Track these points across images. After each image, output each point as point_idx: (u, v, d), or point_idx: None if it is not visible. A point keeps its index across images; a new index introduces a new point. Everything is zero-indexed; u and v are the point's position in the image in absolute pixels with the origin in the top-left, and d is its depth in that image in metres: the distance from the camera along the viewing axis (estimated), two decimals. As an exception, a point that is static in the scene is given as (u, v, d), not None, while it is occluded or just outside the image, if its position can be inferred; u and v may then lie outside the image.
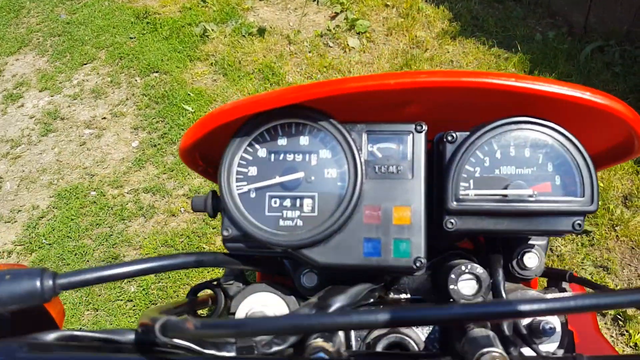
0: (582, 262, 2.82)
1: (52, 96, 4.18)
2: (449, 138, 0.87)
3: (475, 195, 0.85)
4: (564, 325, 0.92)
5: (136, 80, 4.17)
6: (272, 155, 0.88)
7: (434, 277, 1.00)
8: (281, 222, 0.86)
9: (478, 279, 0.87)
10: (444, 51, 3.92)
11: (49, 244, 3.26)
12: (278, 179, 0.87)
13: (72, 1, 5.11)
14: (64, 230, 3.31)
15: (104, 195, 3.45)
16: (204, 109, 3.85)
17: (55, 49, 4.59)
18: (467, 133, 0.87)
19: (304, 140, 0.89)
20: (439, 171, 0.89)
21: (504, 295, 0.88)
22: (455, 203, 0.85)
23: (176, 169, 3.49)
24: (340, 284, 0.92)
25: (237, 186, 0.87)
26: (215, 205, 0.91)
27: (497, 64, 3.73)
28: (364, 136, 0.88)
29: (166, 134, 3.71)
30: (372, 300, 0.92)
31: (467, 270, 0.87)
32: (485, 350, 0.70)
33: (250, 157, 0.89)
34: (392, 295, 0.99)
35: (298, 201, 0.86)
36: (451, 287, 0.86)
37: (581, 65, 3.57)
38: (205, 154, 1.01)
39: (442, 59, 3.86)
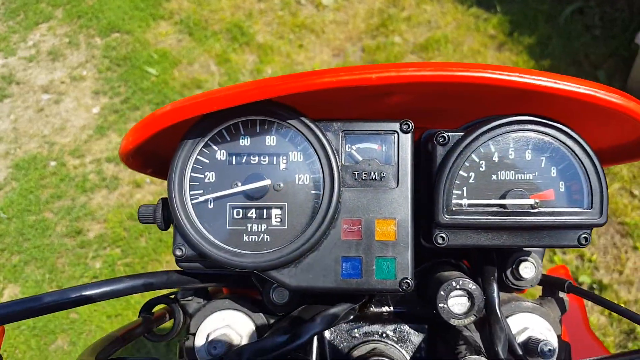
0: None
1: (6, 58, 3.91)
2: (440, 139, 0.75)
3: (469, 205, 0.74)
4: (559, 338, 0.84)
5: (96, 40, 3.91)
6: (233, 157, 0.76)
7: (419, 286, 0.89)
8: (245, 238, 0.74)
9: (470, 295, 0.76)
10: (421, 11, 3.75)
11: (8, 218, 3.11)
12: (241, 187, 0.74)
13: (24, -47, 4.74)
14: (24, 203, 3.15)
15: (65, 166, 3.28)
16: (169, 72, 3.64)
17: (7, 7, 4.26)
18: (461, 134, 0.75)
19: (270, 140, 0.76)
20: (427, 176, 0.78)
21: (499, 313, 0.79)
22: (446, 216, 0.74)
23: (141, 137, 3.33)
24: (314, 300, 0.83)
25: (191, 195, 0.75)
26: (167, 216, 0.78)
27: (476, 25, 3.59)
28: (341, 136, 0.76)
29: (129, 99, 3.51)
30: (351, 317, 0.82)
31: (457, 287, 0.76)
32: None
33: (206, 161, 0.76)
34: (373, 309, 0.90)
35: (265, 212, 0.75)
36: (440, 305, 0.76)
37: (561, 27, 3.46)
38: (155, 152, 0.88)
39: (419, 19, 3.70)
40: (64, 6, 4.17)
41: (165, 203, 0.78)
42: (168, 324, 0.92)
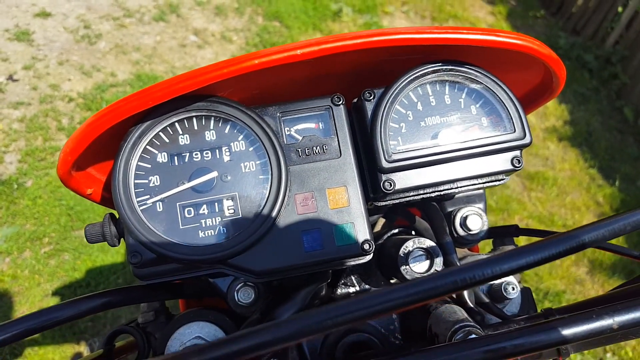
0: None
1: (180, -7, 4.30)
2: (367, 95, 0.79)
3: (406, 149, 0.78)
4: (519, 283, 0.86)
5: (258, 19, 4.23)
6: (175, 158, 0.75)
7: (379, 262, 0.91)
8: (201, 234, 0.72)
9: (428, 252, 0.79)
10: (544, 145, 3.80)
11: (106, 111, 3.33)
12: (187, 185, 0.73)
13: None
14: (126, 107, 3.37)
15: (176, 98, 3.50)
16: (302, 76, 3.86)
17: (206, -44, 4.73)
18: (383, 89, 0.79)
19: (210, 135, 0.76)
20: (363, 133, 0.80)
21: (457, 262, 0.81)
22: (388, 161, 0.77)
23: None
24: (280, 292, 0.82)
25: (138, 202, 0.72)
26: (116, 230, 0.76)
27: (589, 185, 3.58)
28: (279, 118, 0.78)
29: (257, 77, 3.73)
30: (319, 302, 0.83)
31: (415, 247, 0.79)
32: (458, 326, 0.65)
33: (148, 165, 0.74)
34: (340, 291, 0.91)
35: (216, 205, 0.73)
36: (402, 267, 0.77)
37: (668, 230, 3.37)
38: (94, 171, 0.84)
39: (539, 152, 3.74)
40: (250, -20, 4.57)
41: (113, 218, 0.77)
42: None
